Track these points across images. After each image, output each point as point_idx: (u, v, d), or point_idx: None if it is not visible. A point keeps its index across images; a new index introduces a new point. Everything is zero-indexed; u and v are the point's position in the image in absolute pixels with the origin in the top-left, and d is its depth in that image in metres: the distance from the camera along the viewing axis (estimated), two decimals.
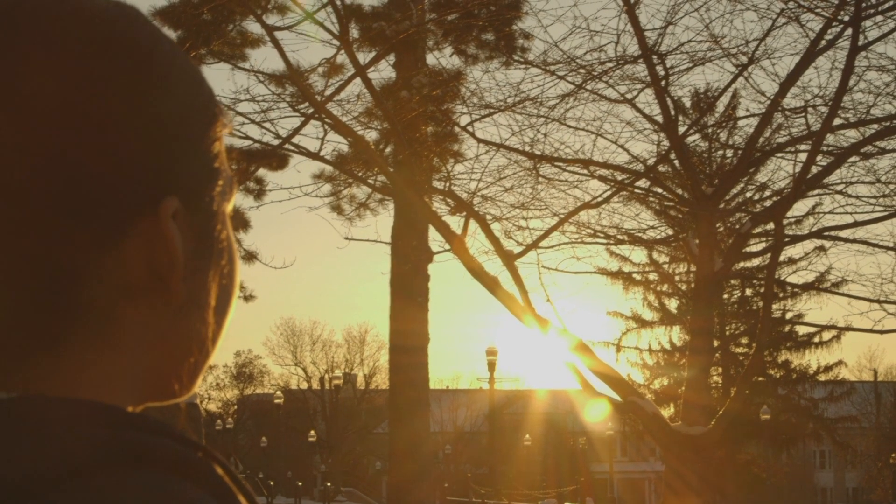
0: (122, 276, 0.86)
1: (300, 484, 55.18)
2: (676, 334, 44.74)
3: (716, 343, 37.77)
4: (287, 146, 15.28)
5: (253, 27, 16.46)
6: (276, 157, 17.62)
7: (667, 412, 28.01)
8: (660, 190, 15.20)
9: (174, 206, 0.88)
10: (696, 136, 16.67)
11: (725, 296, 42.16)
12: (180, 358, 0.93)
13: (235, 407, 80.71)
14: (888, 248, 15.22)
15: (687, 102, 20.87)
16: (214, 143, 0.95)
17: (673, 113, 13.69)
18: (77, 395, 0.84)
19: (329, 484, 56.57)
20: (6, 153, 0.83)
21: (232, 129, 1.00)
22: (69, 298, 0.85)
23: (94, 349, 0.86)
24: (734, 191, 19.87)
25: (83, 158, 0.84)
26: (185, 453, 0.80)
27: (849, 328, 16.11)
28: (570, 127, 14.46)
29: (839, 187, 15.16)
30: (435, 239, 16.77)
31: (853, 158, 14.32)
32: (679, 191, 14.93)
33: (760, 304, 20.41)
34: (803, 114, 14.11)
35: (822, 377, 48.01)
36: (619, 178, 14.88)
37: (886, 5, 12.74)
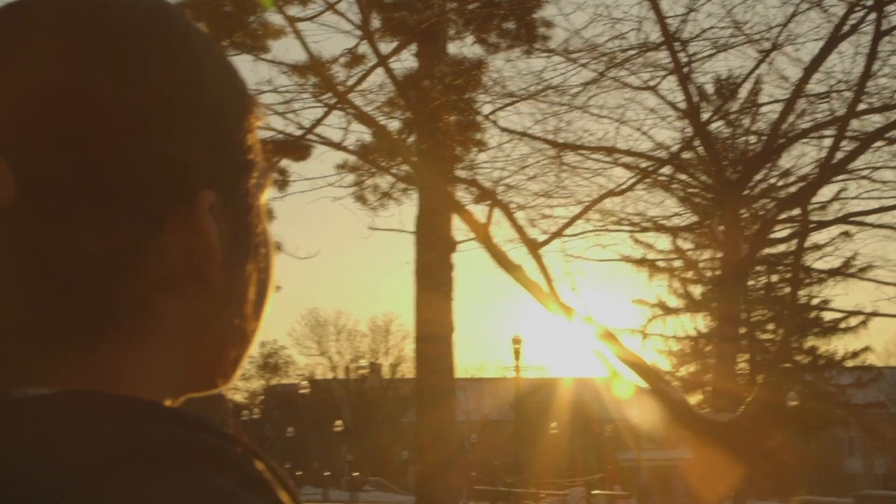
0: (160, 270, 0.87)
1: (327, 474, 55.38)
2: (702, 321, 44.63)
3: (742, 330, 37.69)
4: (310, 137, 15.30)
5: (275, 18, 16.47)
6: (299, 147, 17.63)
7: (694, 399, 27.98)
8: (684, 177, 15.19)
9: (210, 200, 0.88)
10: (720, 122, 16.63)
11: (751, 282, 42.04)
12: (220, 350, 0.94)
13: (262, 397, 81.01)
14: None
15: (710, 89, 20.82)
16: (249, 135, 0.95)
17: (696, 99, 13.67)
18: (116, 389, 0.84)
19: (356, 474, 56.74)
20: (43, 146, 0.83)
21: (265, 120, 1.00)
22: (108, 292, 0.85)
23: (133, 342, 0.87)
24: (759, 177, 19.77)
25: (120, 152, 0.84)
26: (223, 448, 0.80)
27: (876, 313, 16.09)
28: (593, 115, 14.46)
29: (864, 172, 15.11)
30: (459, 228, 16.76)
31: (878, 143, 14.26)
32: (703, 177, 14.90)
33: (787, 290, 20.35)
34: (827, 99, 14.07)
35: (850, 363, 47.82)
36: (643, 165, 14.86)
37: None
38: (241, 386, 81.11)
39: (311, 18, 14.32)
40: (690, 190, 16.52)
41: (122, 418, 0.79)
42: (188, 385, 0.93)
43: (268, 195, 1.01)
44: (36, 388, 0.82)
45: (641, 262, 25.70)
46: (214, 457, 0.79)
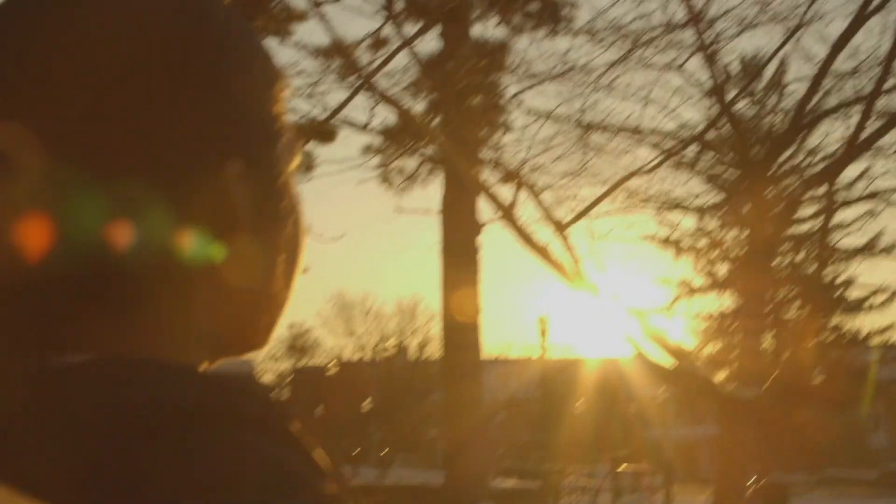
0: (192, 236, 0.88)
1: (356, 452, 55.43)
2: (728, 300, 44.46)
3: (768, 308, 37.58)
4: (335, 119, 15.31)
5: (299, 1, 16.46)
6: (324, 130, 17.62)
7: (719, 377, 27.92)
8: (710, 156, 15.15)
9: (238, 168, 0.90)
10: (746, 101, 16.58)
11: (777, 261, 41.84)
12: (254, 315, 0.96)
13: (291, 378, 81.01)
14: None
15: (736, 68, 20.73)
16: (275, 105, 0.97)
17: (722, 79, 13.61)
18: (151, 355, 0.86)
19: (384, 452, 56.78)
20: (74, 116, 0.85)
21: (292, 90, 1.01)
22: (142, 259, 0.87)
23: (167, 307, 0.89)
24: (785, 155, 19.72)
25: (148, 122, 0.86)
26: (264, 411, 0.83)
27: None
28: (618, 95, 14.43)
29: (891, 150, 15.05)
30: (485, 209, 16.77)
31: None
32: (729, 157, 14.86)
33: (812, 268, 20.30)
34: (854, 76, 13.99)
35: (875, 340, 47.59)
36: (669, 145, 14.83)
37: None
38: (271, 367, 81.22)
39: (335, 1, 14.32)
40: (716, 169, 16.48)
41: (161, 383, 0.80)
42: (223, 348, 0.95)
43: (296, 164, 1.02)
44: (73, 355, 0.83)
45: (667, 241, 25.70)
46: (254, 419, 0.81)
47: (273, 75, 0.98)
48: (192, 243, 0.88)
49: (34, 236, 0.85)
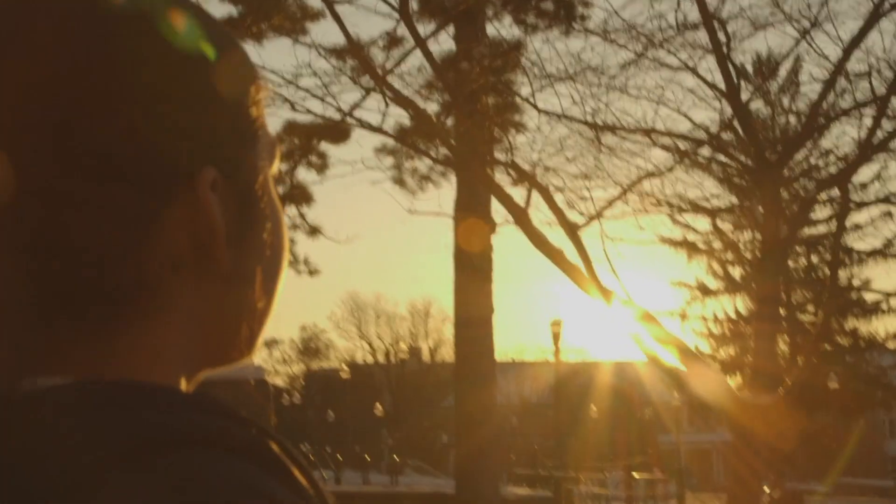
0: (167, 251, 0.86)
1: (368, 458, 55.48)
2: (742, 303, 44.43)
3: (782, 311, 37.55)
4: (349, 120, 15.32)
5: (313, 1, 16.50)
6: (338, 131, 17.65)
7: (734, 381, 27.87)
8: (723, 157, 15.13)
9: (212, 176, 0.87)
10: (759, 102, 16.56)
11: (791, 263, 41.82)
12: (233, 327, 0.93)
13: (302, 381, 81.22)
14: None
15: (749, 68, 20.69)
16: (252, 107, 0.94)
17: (735, 79, 13.58)
18: (130, 372, 0.84)
19: (396, 457, 56.83)
20: (41, 135, 0.83)
21: (269, 92, 0.99)
22: (116, 276, 0.85)
23: (144, 324, 0.86)
24: (798, 157, 19.70)
25: (117, 134, 0.84)
26: (238, 431, 0.81)
27: None
28: (631, 96, 14.43)
29: None
30: (498, 210, 16.74)
31: None
32: (742, 158, 14.83)
33: (827, 271, 20.26)
34: (868, 78, 13.96)
35: (891, 344, 47.51)
36: (682, 146, 14.81)
37: None
38: (282, 370, 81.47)
39: (350, 1, 14.34)
40: (730, 171, 16.45)
41: (136, 406, 0.78)
42: (204, 361, 0.93)
43: (277, 166, 1.00)
44: (48, 377, 0.81)
45: (680, 243, 25.65)
46: (230, 441, 0.79)
47: (248, 77, 0.95)
48: (168, 256, 0.86)
49: (2, 252, 0.83)
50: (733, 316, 45.16)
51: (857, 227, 35.00)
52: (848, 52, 13.14)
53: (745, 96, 14.51)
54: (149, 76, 0.86)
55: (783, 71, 17.38)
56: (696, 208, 17.21)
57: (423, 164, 19.09)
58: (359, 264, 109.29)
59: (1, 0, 0.89)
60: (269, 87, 0.98)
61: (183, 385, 0.90)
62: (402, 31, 15.13)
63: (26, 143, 0.82)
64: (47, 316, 0.84)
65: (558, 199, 13.91)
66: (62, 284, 0.84)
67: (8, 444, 0.76)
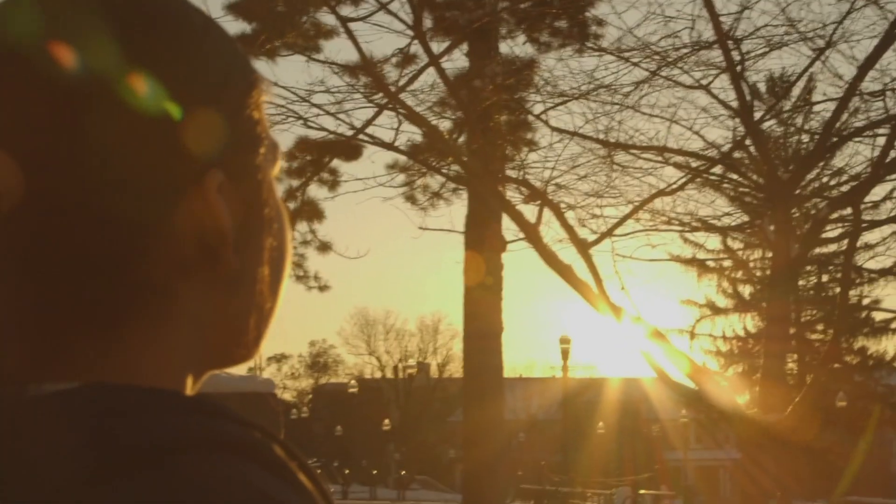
0: (174, 253, 0.87)
1: (375, 472, 55.41)
2: (751, 322, 44.35)
3: (792, 330, 37.47)
4: (361, 137, 15.33)
5: (327, 18, 16.50)
6: (350, 147, 17.64)
7: (742, 400, 27.80)
8: (735, 176, 15.12)
9: (219, 179, 0.88)
10: (772, 121, 16.53)
11: (801, 282, 41.73)
12: (238, 329, 0.94)
13: (310, 396, 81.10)
14: None
15: (762, 87, 20.72)
16: (254, 111, 0.95)
17: (748, 98, 13.58)
18: (136, 375, 0.85)
19: (403, 472, 56.72)
20: (48, 139, 0.84)
21: (271, 96, 1.00)
22: (122, 279, 0.85)
23: (150, 327, 0.87)
24: (810, 176, 19.67)
25: (124, 137, 0.84)
26: (243, 435, 0.81)
27: None
28: (644, 114, 14.41)
29: None
30: (509, 227, 16.75)
31: None
32: (754, 177, 14.82)
33: (837, 290, 20.23)
34: (882, 97, 13.95)
35: None
36: (694, 164, 14.80)
37: None
38: (291, 385, 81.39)
39: (363, 18, 14.34)
40: (741, 189, 16.43)
41: (140, 410, 0.79)
42: (211, 362, 0.94)
43: (278, 170, 1.00)
44: (53, 382, 0.81)
45: (691, 261, 25.62)
46: (235, 444, 0.80)
47: (251, 81, 0.96)
48: (174, 259, 0.87)
49: (10, 258, 0.84)
50: (742, 334, 45.11)
51: (868, 246, 34.94)
52: (862, 71, 13.13)
53: (758, 115, 14.51)
54: (155, 77, 0.86)
55: (797, 90, 17.37)
56: (708, 227, 17.19)
57: (434, 181, 19.07)
58: (369, 280, 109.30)
59: (15, 6, 0.89)
60: (270, 91, 0.99)
61: (189, 384, 0.91)
62: (416, 48, 15.17)
63: (31, 149, 0.83)
64: (54, 320, 0.84)
65: (569, 216, 13.94)
66: (68, 289, 0.84)
67: (12, 448, 0.76)
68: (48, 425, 0.77)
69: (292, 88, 14.18)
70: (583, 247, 13.02)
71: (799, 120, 18.57)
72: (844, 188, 16.88)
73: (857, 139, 15.01)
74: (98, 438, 0.76)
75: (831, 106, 14.32)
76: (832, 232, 18.87)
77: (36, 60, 0.85)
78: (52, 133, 0.83)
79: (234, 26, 17.24)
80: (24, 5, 0.89)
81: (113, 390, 0.81)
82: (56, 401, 0.80)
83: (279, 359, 79.77)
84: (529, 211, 13.53)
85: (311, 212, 19.21)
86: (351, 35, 13.03)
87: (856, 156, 18.69)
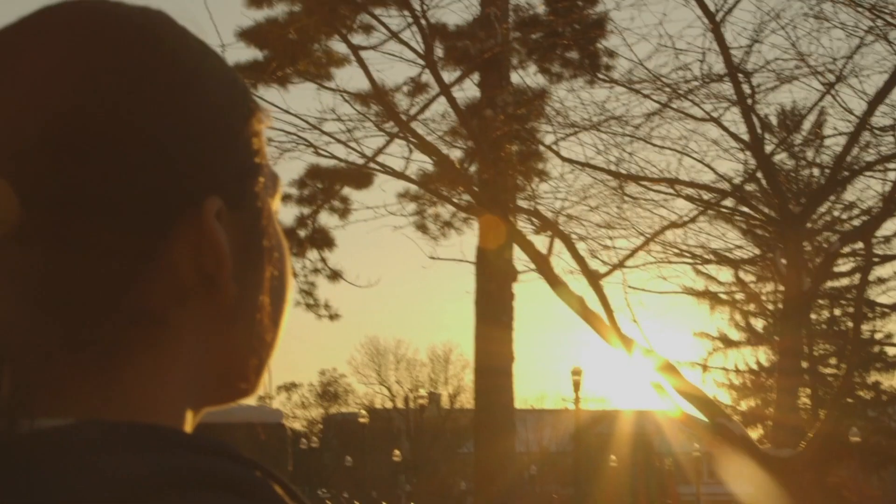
0: (172, 281, 0.85)
1: None
2: (764, 355, 44.31)
3: (804, 364, 37.45)
4: (372, 165, 15.35)
5: (339, 47, 16.55)
6: (361, 176, 17.67)
7: (755, 434, 27.72)
8: (746, 209, 15.09)
9: (217, 206, 0.87)
10: (783, 154, 16.53)
11: (814, 316, 41.70)
12: (239, 359, 0.93)
13: (320, 426, 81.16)
14: None
15: (773, 121, 20.70)
16: (253, 139, 0.94)
17: (759, 131, 13.58)
18: (134, 409, 0.83)
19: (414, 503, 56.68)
20: (44, 165, 0.82)
21: (271, 123, 0.99)
22: (119, 309, 0.84)
23: (149, 357, 0.85)
24: (822, 210, 19.63)
25: (120, 164, 0.83)
26: (242, 473, 0.79)
27: None
28: (655, 146, 14.41)
29: None
30: (520, 258, 16.72)
31: None
32: (766, 210, 14.79)
33: (850, 324, 20.18)
34: (892, 132, 13.95)
35: None
36: (706, 197, 14.78)
37: None
38: (300, 414, 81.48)
39: (374, 47, 14.38)
40: (753, 222, 16.40)
41: (136, 448, 0.77)
42: (209, 397, 0.92)
43: (279, 199, 1.00)
44: (49, 418, 0.80)
45: (703, 294, 25.57)
46: (233, 483, 0.78)
47: (249, 109, 0.95)
48: (172, 288, 0.86)
49: (3, 286, 0.82)
50: (755, 368, 45.06)
51: (881, 280, 34.95)
52: (872, 105, 13.12)
53: (769, 148, 14.50)
54: (149, 109, 0.86)
55: (807, 123, 17.38)
56: (719, 259, 17.16)
57: (445, 211, 19.08)
58: (380, 309, 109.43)
59: (10, 32, 0.90)
60: (269, 119, 0.98)
61: (189, 419, 0.89)
62: (427, 77, 15.19)
63: (29, 176, 0.82)
64: (49, 351, 0.83)
65: (580, 247, 13.91)
66: (63, 318, 0.82)
67: (6, 488, 0.74)
68: (40, 463, 0.75)
69: (303, 116, 14.19)
70: (594, 278, 13.00)
71: (810, 153, 18.57)
72: (856, 222, 16.86)
73: (868, 173, 15.00)
74: (89, 478, 0.74)
75: (842, 140, 14.33)
76: (844, 266, 18.94)
77: (34, 86, 0.85)
78: (48, 159, 0.82)
79: (246, 53, 17.32)
80: (24, 34, 0.89)
81: (108, 427, 0.79)
82: (49, 437, 0.78)
83: (289, 387, 79.96)
84: (541, 242, 13.53)
85: (322, 240, 19.22)
86: (362, 63, 13.07)
87: (867, 190, 18.73)
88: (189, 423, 0.89)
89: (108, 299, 0.83)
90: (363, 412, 66.93)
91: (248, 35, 16.77)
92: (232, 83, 0.95)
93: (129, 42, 0.88)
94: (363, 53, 13.42)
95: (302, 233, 18.77)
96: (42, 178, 0.82)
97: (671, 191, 14.63)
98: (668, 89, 13.80)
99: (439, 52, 15.60)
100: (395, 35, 13.53)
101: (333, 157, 15.18)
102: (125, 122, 0.84)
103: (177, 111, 0.87)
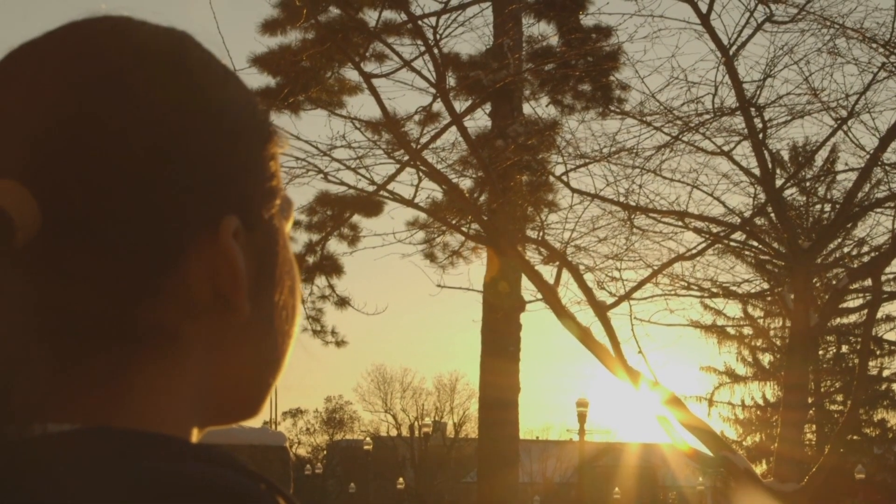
0: (186, 297, 0.86)
1: None
2: (770, 390, 44.18)
3: (810, 399, 37.36)
4: (382, 193, 15.35)
5: (351, 74, 16.60)
6: (370, 203, 17.68)
7: (759, 469, 27.62)
8: (755, 243, 15.05)
9: (234, 225, 0.88)
10: (794, 189, 16.53)
11: (821, 352, 41.60)
12: (248, 378, 0.93)
13: (325, 452, 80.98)
14: None
15: (785, 155, 20.71)
16: (270, 163, 0.95)
17: (770, 166, 13.56)
18: (141, 421, 0.84)
19: None
20: (66, 176, 0.83)
21: (287, 148, 1.00)
22: (133, 321, 0.85)
23: (159, 371, 0.86)
24: (831, 246, 19.61)
25: (140, 178, 0.84)
26: (247, 485, 0.80)
27: None
28: (665, 178, 14.39)
29: None
30: (527, 288, 16.71)
31: None
32: (775, 245, 14.76)
33: (857, 360, 20.13)
34: None
35: None
36: (715, 230, 14.76)
37: None
38: (305, 440, 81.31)
39: (386, 75, 14.41)
40: (762, 257, 16.37)
41: (143, 456, 0.78)
42: (215, 414, 0.93)
43: (291, 223, 1.01)
44: (57, 423, 0.81)
45: (711, 328, 25.54)
46: (238, 494, 0.78)
47: (268, 133, 0.96)
48: (186, 303, 0.87)
49: (20, 293, 0.83)
50: (761, 403, 44.92)
51: (889, 318, 34.85)
52: (884, 142, 13.10)
53: (779, 183, 14.48)
54: (170, 127, 0.87)
55: (819, 159, 17.37)
56: (727, 293, 17.13)
57: (454, 240, 19.08)
58: (386, 337, 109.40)
59: (33, 46, 0.91)
60: (286, 144, 0.99)
61: (194, 436, 0.89)
62: (439, 106, 15.22)
63: (50, 186, 0.83)
64: (61, 359, 0.83)
65: (588, 278, 13.89)
66: (77, 327, 0.83)
67: (12, 490, 0.75)
68: (48, 468, 0.76)
69: (314, 142, 14.19)
70: (601, 309, 12.97)
71: (821, 189, 18.57)
72: (865, 259, 16.83)
73: (878, 210, 14.98)
74: (96, 484, 0.74)
75: (853, 176, 14.29)
76: (852, 302, 18.86)
77: (57, 99, 0.86)
78: (69, 171, 0.83)
79: (259, 80, 17.36)
80: (49, 48, 0.90)
81: (115, 434, 0.80)
82: (58, 443, 0.79)
83: (294, 413, 79.77)
84: (548, 272, 13.51)
85: (330, 267, 19.24)
86: (374, 91, 13.07)
87: (877, 227, 18.71)
88: (194, 438, 0.90)
89: (122, 311, 0.84)
90: (368, 439, 66.84)
91: (261, 61, 16.83)
92: (252, 106, 0.96)
93: (154, 61, 0.89)
94: (375, 81, 13.44)
95: (310, 259, 18.79)
96: (63, 189, 0.83)
97: (680, 223, 14.61)
98: (679, 122, 13.80)
99: (451, 81, 15.65)
100: (407, 64, 13.55)
101: (343, 183, 15.20)
102: (146, 139, 0.85)
103: (198, 131, 0.88)
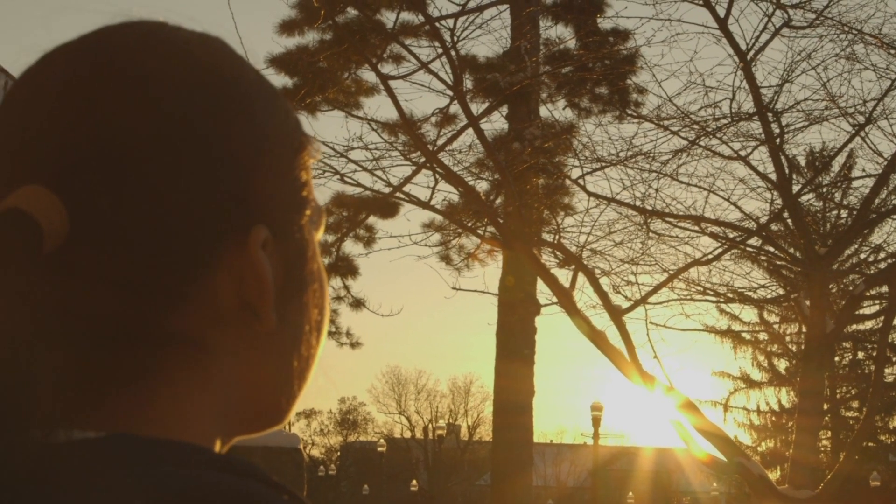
0: (213, 306, 0.86)
1: None
2: (785, 396, 44.09)
3: (825, 406, 37.27)
4: (398, 194, 15.36)
5: (368, 76, 16.60)
6: (386, 205, 17.68)
7: (774, 475, 27.58)
8: (772, 249, 15.03)
9: (263, 235, 0.88)
10: (811, 195, 16.47)
11: (837, 358, 41.50)
12: (273, 388, 0.93)
13: (339, 453, 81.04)
14: None
15: (802, 161, 20.65)
16: (302, 172, 0.95)
17: (787, 171, 13.54)
18: (166, 429, 0.84)
19: None
20: (97, 183, 0.83)
21: (319, 158, 1.00)
22: (159, 329, 0.84)
23: (184, 380, 0.86)
24: (848, 252, 19.57)
25: (171, 186, 0.84)
26: (270, 496, 0.79)
27: None
28: (682, 183, 14.37)
29: None
30: (543, 291, 16.70)
31: None
32: (791, 250, 14.73)
33: (873, 367, 20.07)
34: None
35: None
36: (731, 235, 14.73)
37: None
38: (319, 441, 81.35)
39: (403, 77, 14.42)
40: (778, 262, 16.34)
41: (166, 464, 0.78)
42: (241, 424, 0.93)
43: (321, 233, 1.00)
44: (82, 430, 0.81)
45: (726, 332, 25.50)
46: None
47: (300, 142, 0.96)
48: (213, 312, 0.87)
49: (48, 300, 0.82)
50: (776, 408, 44.83)
51: None
52: None
53: (796, 188, 14.45)
54: (203, 135, 0.87)
55: (836, 165, 17.32)
56: (743, 298, 17.09)
57: (469, 242, 19.06)
58: (401, 339, 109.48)
59: (66, 50, 0.90)
60: (318, 153, 0.99)
61: (217, 447, 0.89)
62: (455, 108, 15.21)
63: (80, 192, 0.83)
64: (86, 365, 0.83)
65: (604, 282, 13.88)
66: (102, 333, 0.83)
67: (37, 496, 0.75)
68: (73, 475, 0.76)
69: (330, 143, 14.21)
70: (616, 314, 12.95)
71: (838, 195, 18.53)
72: (882, 265, 16.77)
73: (895, 216, 14.94)
74: (120, 492, 0.75)
75: (870, 182, 14.27)
76: (868, 309, 18.77)
77: (88, 104, 0.86)
78: (100, 177, 0.83)
79: (276, 80, 17.38)
80: (82, 52, 0.90)
81: (139, 441, 0.80)
82: (81, 448, 0.79)
83: (308, 414, 79.85)
84: (564, 275, 13.50)
85: (346, 268, 19.23)
86: (391, 93, 13.08)
87: (894, 233, 18.68)
88: (219, 448, 0.89)
89: (148, 318, 0.84)
90: (382, 441, 66.86)
91: (279, 62, 16.84)
92: (285, 115, 0.95)
93: (186, 68, 0.89)
94: (392, 83, 13.45)
95: (326, 260, 18.79)
96: (91, 195, 0.83)
97: (696, 228, 14.58)
98: (696, 126, 13.78)
99: (468, 83, 15.64)
100: (424, 66, 13.55)
101: (359, 184, 15.22)
102: (178, 145, 0.85)
103: (230, 139, 0.88)
